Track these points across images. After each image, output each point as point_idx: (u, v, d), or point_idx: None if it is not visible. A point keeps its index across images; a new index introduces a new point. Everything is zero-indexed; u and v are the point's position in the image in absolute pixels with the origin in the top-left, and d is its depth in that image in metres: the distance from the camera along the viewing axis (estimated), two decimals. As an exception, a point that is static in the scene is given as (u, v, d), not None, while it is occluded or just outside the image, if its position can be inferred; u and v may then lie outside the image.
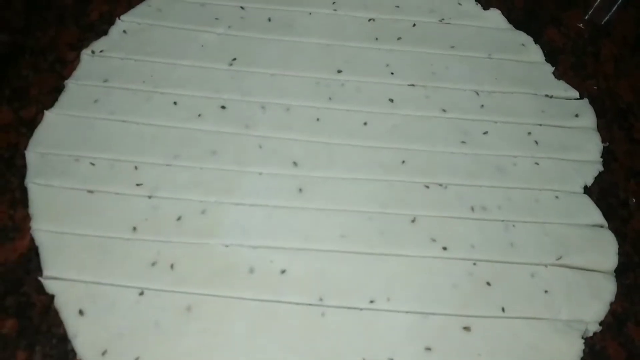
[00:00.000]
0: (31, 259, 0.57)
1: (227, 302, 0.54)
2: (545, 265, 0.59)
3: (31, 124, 0.64)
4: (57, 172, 0.60)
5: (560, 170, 0.65)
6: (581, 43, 0.79)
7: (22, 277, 0.56)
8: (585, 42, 0.80)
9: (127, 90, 0.67)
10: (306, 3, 0.76)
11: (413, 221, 0.60)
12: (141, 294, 0.54)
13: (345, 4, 0.77)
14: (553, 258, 0.59)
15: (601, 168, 0.66)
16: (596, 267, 0.59)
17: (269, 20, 0.75)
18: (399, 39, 0.74)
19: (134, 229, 0.58)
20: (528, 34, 0.77)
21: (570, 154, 0.67)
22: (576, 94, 0.72)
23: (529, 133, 0.68)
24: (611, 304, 0.57)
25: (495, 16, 0.78)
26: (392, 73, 0.71)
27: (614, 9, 0.82)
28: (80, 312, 0.53)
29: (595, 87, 0.75)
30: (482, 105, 0.70)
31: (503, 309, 0.56)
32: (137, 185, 0.60)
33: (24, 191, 0.60)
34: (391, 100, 0.69)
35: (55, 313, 0.53)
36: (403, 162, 0.64)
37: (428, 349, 0.53)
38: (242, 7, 0.76)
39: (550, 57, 0.75)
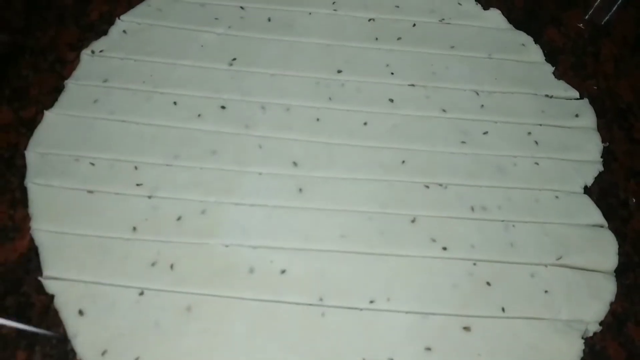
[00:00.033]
0: (31, 259, 0.57)
1: (227, 302, 0.54)
2: (545, 265, 0.59)
3: (31, 124, 0.64)
4: (57, 172, 0.60)
5: (560, 170, 0.65)
6: (581, 43, 0.79)
7: (22, 277, 0.56)
8: (585, 42, 0.80)
9: (127, 90, 0.67)
10: (306, 3, 0.76)
11: (413, 221, 0.60)
12: (141, 294, 0.54)
13: (345, 4, 0.77)
14: (553, 258, 0.59)
15: (601, 168, 0.66)
16: (596, 267, 0.59)
17: (269, 20, 0.75)
18: (399, 39, 0.74)
19: (134, 229, 0.58)
20: (528, 34, 0.77)
21: (570, 154, 0.67)
22: (576, 94, 0.72)
23: (529, 133, 0.68)
24: (611, 304, 0.57)
25: (495, 16, 0.78)
26: (392, 73, 0.71)
27: (614, 9, 0.82)
28: (80, 312, 0.53)
29: (595, 87, 0.75)
30: (482, 105, 0.70)
31: (503, 309, 0.56)
32: (137, 185, 0.60)
33: (23, 191, 0.60)
34: (391, 100, 0.69)
35: (55, 313, 0.53)
36: (403, 162, 0.64)
37: (428, 349, 0.53)
38: (242, 7, 0.76)
39: (550, 57, 0.75)
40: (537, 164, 0.66)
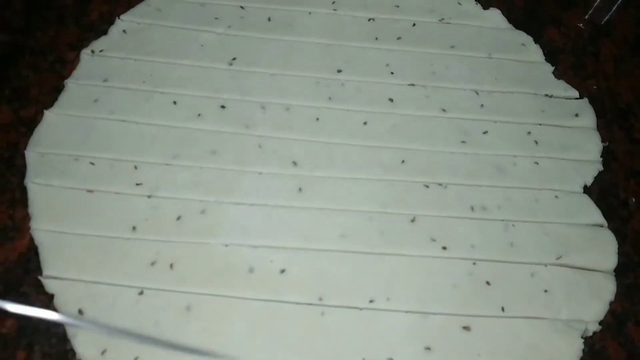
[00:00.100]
0: (31, 258, 0.57)
1: (227, 302, 0.54)
2: (545, 265, 0.59)
3: (31, 124, 0.64)
4: (57, 172, 0.60)
5: (560, 169, 0.65)
6: (581, 43, 0.79)
7: (21, 276, 0.56)
8: (585, 42, 0.80)
9: (127, 90, 0.67)
10: (306, 3, 0.76)
11: (413, 221, 0.60)
12: (141, 293, 0.54)
13: (345, 3, 0.77)
14: (553, 258, 0.59)
15: (601, 168, 0.66)
16: (596, 266, 0.59)
17: (269, 19, 0.75)
18: (398, 38, 0.74)
19: (134, 228, 0.58)
20: (528, 33, 0.77)
21: (570, 154, 0.67)
22: (576, 93, 0.72)
23: (529, 133, 0.68)
24: (611, 304, 0.57)
25: (495, 16, 0.78)
26: (392, 73, 0.71)
27: (614, 8, 0.82)
28: (80, 312, 0.53)
29: (595, 87, 0.75)
30: (482, 105, 0.70)
31: (503, 309, 0.56)
32: (137, 184, 0.60)
33: (23, 191, 0.60)
34: (391, 100, 0.69)
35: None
36: (403, 161, 0.64)
37: (428, 348, 0.53)
38: (242, 7, 0.76)
39: (550, 56, 0.75)
40: (537, 163, 0.66)
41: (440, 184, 0.63)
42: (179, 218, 0.59)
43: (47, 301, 0.54)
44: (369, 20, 0.76)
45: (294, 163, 0.63)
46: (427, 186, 0.63)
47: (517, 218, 0.62)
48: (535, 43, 0.76)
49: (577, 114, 0.70)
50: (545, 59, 0.75)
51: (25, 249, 0.57)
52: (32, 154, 0.62)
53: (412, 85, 0.71)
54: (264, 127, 0.65)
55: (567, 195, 0.64)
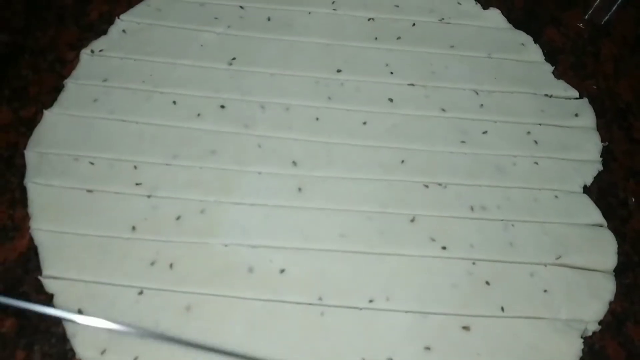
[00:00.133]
0: (30, 258, 0.57)
1: (227, 302, 0.54)
2: (545, 265, 0.59)
3: (31, 124, 0.64)
4: (57, 172, 0.60)
5: (559, 169, 0.65)
6: (581, 43, 0.79)
7: (21, 276, 0.56)
8: (585, 42, 0.80)
9: (127, 90, 0.67)
10: (306, 2, 0.76)
11: (412, 221, 0.60)
12: (140, 293, 0.54)
13: (345, 3, 0.77)
14: (552, 257, 0.59)
15: (600, 167, 0.66)
16: (595, 266, 0.59)
17: (269, 19, 0.75)
18: (398, 38, 0.74)
19: (134, 228, 0.58)
20: (528, 33, 0.77)
21: (569, 154, 0.67)
22: (576, 93, 0.72)
23: (529, 132, 0.68)
24: (610, 304, 0.57)
25: (494, 16, 0.78)
26: (391, 72, 0.71)
27: (614, 8, 0.82)
28: (80, 312, 0.53)
29: (595, 87, 0.75)
30: (482, 105, 0.70)
31: (502, 309, 0.56)
32: (137, 184, 0.60)
33: (23, 191, 0.60)
34: (391, 100, 0.69)
35: (55, 312, 0.53)
36: (402, 161, 0.64)
37: (427, 348, 0.53)
38: (241, 7, 0.76)
39: (549, 56, 0.75)
40: (536, 163, 0.66)
41: (439, 184, 0.63)
42: (178, 218, 0.59)
43: (47, 301, 0.54)
44: (369, 20, 0.76)
45: (294, 163, 0.63)
46: (427, 186, 0.63)
47: (517, 218, 0.62)
48: (535, 43, 0.76)
49: (577, 114, 0.70)
50: (545, 59, 0.75)
51: (25, 249, 0.57)
52: (32, 154, 0.62)
53: (412, 85, 0.71)
54: (264, 126, 0.65)
55: (567, 195, 0.64)
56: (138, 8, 0.75)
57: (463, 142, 0.66)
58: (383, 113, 0.68)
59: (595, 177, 0.66)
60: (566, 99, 0.72)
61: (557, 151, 0.67)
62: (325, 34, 0.74)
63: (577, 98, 0.72)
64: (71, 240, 0.57)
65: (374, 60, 0.72)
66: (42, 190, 0.59)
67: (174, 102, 0.67)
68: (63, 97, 0.66)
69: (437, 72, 0.72)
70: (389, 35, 0.75)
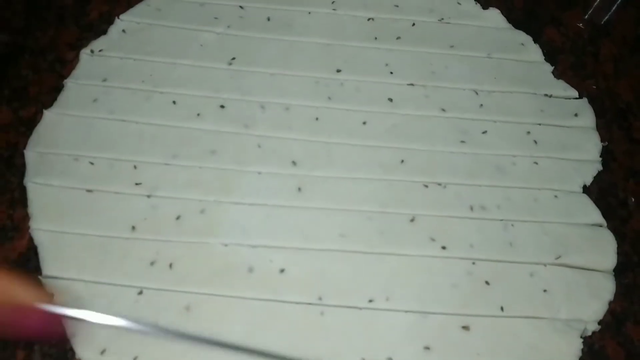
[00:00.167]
0: (30, 258, 0.57)
1: (226, 302, 0.54)
2: (545, 265, 0.59)
3: (30, 124, 0.64)
4: (57, 172, 0.60)
5: (559, 169, 0.65)
6: (581, 43, 0.79)
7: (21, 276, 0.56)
8: (584, 41, 0.80)
9: (127, 90, 0.67)
10: (305, 2, 0.76)
11: (412, 221, 0.60)
12: (140, 293, 0.54)
13: (345, 3, 0.77)
14: (552, 257, 0.59)
15: (600, 167, 0.66)
16: (595, 266, 0.59)
17: (268, 19, 0.75)
18: (398, 38, 0.74)
19: (133, 228, 0.58)
20: (527, 33, 0.77)
21: (569, 154, 0.67)
22: (575, 93, 0.72)
23: (528, 132, 0.68)
24: (610, 303, 0.57)
25: (494, 16, 0.78)
26: (391, 72, 0.71)
27: (614, 8, 0.82)
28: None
29: (595, 87, 0.75)
30: (482, 105, 0.70)
31: (502, 308, 0.56)
32: (137, 184, 0.60)
33: (23, 191, 0.60)
34: (390, 100, 0.69)
35: (54, 312, 0.53)
36: (402, 161, 0.64)
37: (427, 348, 0.53)
38: (241, 7, 0.76)
39: (549, 56, 0.75)
40: (536, 163, 0.66)
41: (439, 184, 0.63)
42: (178, 218, 0.59)
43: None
44: (369, 20, 0.76)
45: (294, 163, 0.63)
46: (427, 186, 0.63)
47: (517, 218, 0.62)
48: (534, 43, 0.76)
49: (577, 114, 0.70)
50: (545, 59, 0.75)
51: (25, 249, 0.57)
52: (32, 154, 0.62)
53: (412, 85, 0.71)
54: (264, 126, 0.65)
55: (567, 195, 0.64)
56: (138, 8, 0.75)
57: (463, 142, 0.66)
58: (383, 113, 0.68)
59: (595, 177, 0.66)
60: (566, 98, 0.72)
61: (557, 151, 0.67)
62: (325, 34, 0.74)
63: (576, 98, 0.72)
64: (71, 240, 0.57)
65: (373, 60, 0.72)
66: (41, 190, 0.59)
67: (174, 102, 0.67)
68: (63, 97, 0.66)
69: (437, 72, 0.72)
70: (388, 35, 0.75)
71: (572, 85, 0.73)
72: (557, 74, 0.74)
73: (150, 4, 0.75)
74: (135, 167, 0.61)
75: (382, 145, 0.65)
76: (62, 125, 0.64)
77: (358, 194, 0.62)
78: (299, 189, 0.61)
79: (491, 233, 0.60)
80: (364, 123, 0.67)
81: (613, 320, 0.58)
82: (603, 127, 0.70)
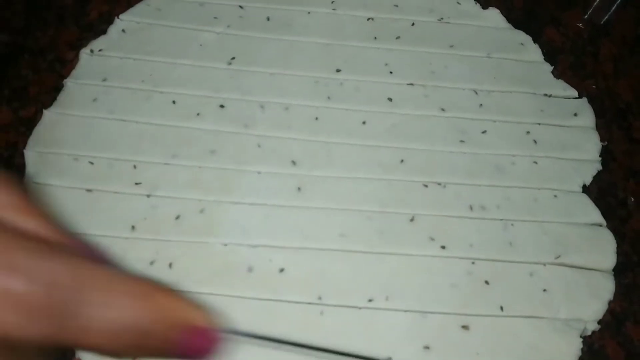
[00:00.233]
0: (30, 258, 0.56)
1: (226, 301, 0.54)
2: (544, 264, 0.59)
3: (30, 123, 0.64)
4: (56, 171, 0.60)
5: (559, 169, 0.65)
6: (580, 43, 0.79)
7: (21, 276, 0.56)
8: (584, 41, 0.80)
9: (126, 90, 0.67)
10: (305, 2, 0.76)
11: (412, 220, 0.60)
12: (140, 292, 0.54)
13: (344, 3, 0.77)
14: (552, 257, 0.59)
15: (600, 167, 0.66)
16: (595, 266, 0.59)
17: (268, 19, 0.75)
18: (397, 38, 0.74)
19: (133, 228, 0.58)
20: (527, 33, 0.77)
21: (569, 153, 0.67)
22: (575, 93, 0.72)
23: (528, 132, 0.68)
24: (610, 303, 0.57)
25: (494, 15, 0.78)
26: (391, 72, 0.71)
27: (614, 8, 0.82)
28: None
29: (594, 87, 0.75)
30: (481, 105, 0.70)
31: (502, 308, 0.56)
32: (136, 184, 0.60)
33: (23, 190, 0.60)
34: (390, 100, 0.69)
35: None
36: (402, 161, 0.64)
37: (427, 347, 0.53)
38: (241, 7, 0.76)
39: (549, 56, 0.75)
40: (535, 163, 0.66)
41: (439, 184, 0.63)
42: (178, 217, 0.59)
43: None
44: (368, 19, 0.76)
45: (293, 162, 0.63)
46: (426, 185, 0.63)
47: (516, 217, 0.62)
48: (534, 43, 0.76)
49: (576, 114, 0.70)
50: (545, 59, 0.75)
51: (25, 249, 0.57)
52: (32, 154, 0.62)
53: (411, 84, 0.71)
54: (263, 126, 0.65)
55: (566, 194, 0.64)
56: (138, 8, 0.75)
57: (462, 141, 0.66)
58: (382, 113, 0.68)
59: (594, 177, 0.66)
60: (565, 98, 0.72)
61: (557, 151, 0.67)
62: (324, 34, 0.74)
63: (576, 98, 0.72)
64: (71, 240, 0.57)
65: (373, 60, 0.72)
66: (41, 190, 0.59)
67: (174, 102, 0.67)
68: (63, 96, 0.66)
69: (437, 71, 0.72)
70: (388, 35, 0.75)
71: (572, 85, 0.73)
72: (557, 74, 0.74)
73: (150, 4, 0.75)
74: (135, 166, 0.61)
75: (382, 145, 0.65)
76: (62, 125, 0.64)
77: (358, 193, 0.62)
78: (299, 189, 0.61)
79: (491, 233, 0.60)
80: (364, 123, 0.67)
81: (613, 320, 0.58)
82: (603, 127, 0.70)
